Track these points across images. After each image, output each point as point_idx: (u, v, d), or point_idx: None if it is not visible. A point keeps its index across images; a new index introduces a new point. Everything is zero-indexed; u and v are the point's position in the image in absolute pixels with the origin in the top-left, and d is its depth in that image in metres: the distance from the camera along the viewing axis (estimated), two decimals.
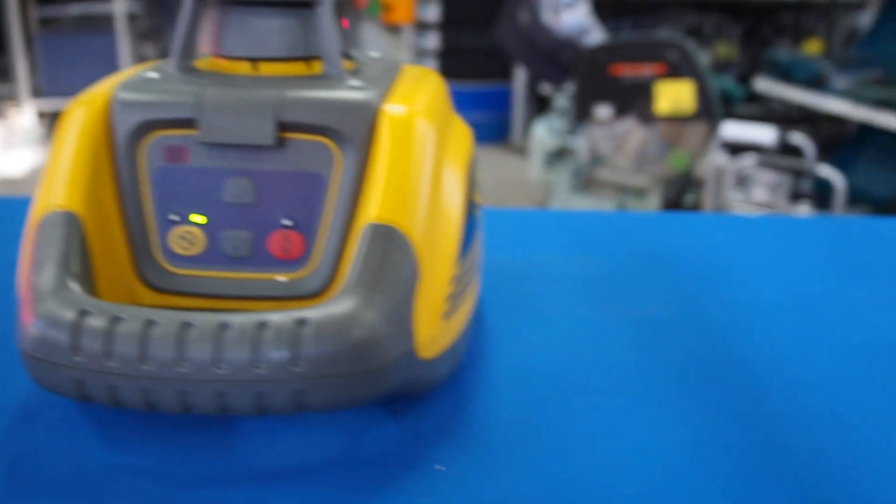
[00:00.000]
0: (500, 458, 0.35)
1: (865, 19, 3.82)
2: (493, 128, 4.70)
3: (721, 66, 4.10)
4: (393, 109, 0.36)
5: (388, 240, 0.33)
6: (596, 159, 2.80)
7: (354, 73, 0.39)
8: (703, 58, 4.06)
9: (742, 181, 2.57)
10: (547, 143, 2.99)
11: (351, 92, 0.36)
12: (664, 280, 0.54)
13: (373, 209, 0.34)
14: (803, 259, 0.59)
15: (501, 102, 4.66)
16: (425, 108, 0.37)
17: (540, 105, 4.13)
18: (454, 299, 0.37)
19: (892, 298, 0.52)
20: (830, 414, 0.38)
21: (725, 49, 4.32)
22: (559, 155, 2.99)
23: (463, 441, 0.36)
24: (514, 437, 0.36)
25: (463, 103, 4.78)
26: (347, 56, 0.40)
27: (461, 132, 0.42)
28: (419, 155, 0.35)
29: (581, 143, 2.82)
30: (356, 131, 0.35)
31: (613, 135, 2.79)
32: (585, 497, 0.32)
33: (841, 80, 2.98)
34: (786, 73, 3.31)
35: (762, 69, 3.58)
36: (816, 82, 3.10)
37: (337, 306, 0.31)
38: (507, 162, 4.45)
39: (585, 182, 2.84)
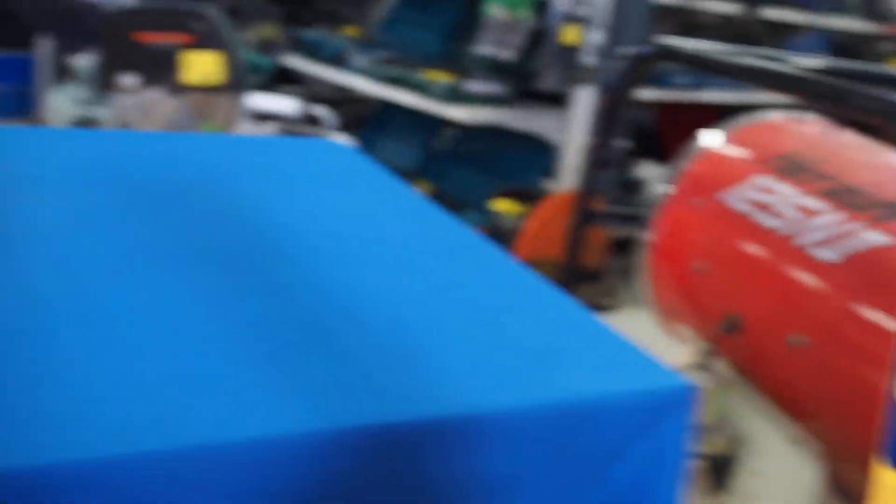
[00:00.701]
0: None
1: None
2: (14, 100, 4.31)
3: (266, 47, 4.21)
4: None
5: None
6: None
7: None
8: (248, 36, 4.12)
9: None
10: (67, 114, 2.82)
11: None
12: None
13: None
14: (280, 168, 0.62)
15: (23, 73, 4.29)
16: None
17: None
18: None
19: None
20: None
21: (269, 31, 4.43)
22: (83, 125, 2.84)
23: None
24: None
25: None
26: None
27: None
28: None
29: (106, 114, 2.71)
30: None
31: (141, 104, 2.72)
32: None
33: (359, 59, 3.21)
34: (313, 51, 3.48)
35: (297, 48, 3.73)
36: (339, 60, 3.30)
37: None
38: None
39: None
